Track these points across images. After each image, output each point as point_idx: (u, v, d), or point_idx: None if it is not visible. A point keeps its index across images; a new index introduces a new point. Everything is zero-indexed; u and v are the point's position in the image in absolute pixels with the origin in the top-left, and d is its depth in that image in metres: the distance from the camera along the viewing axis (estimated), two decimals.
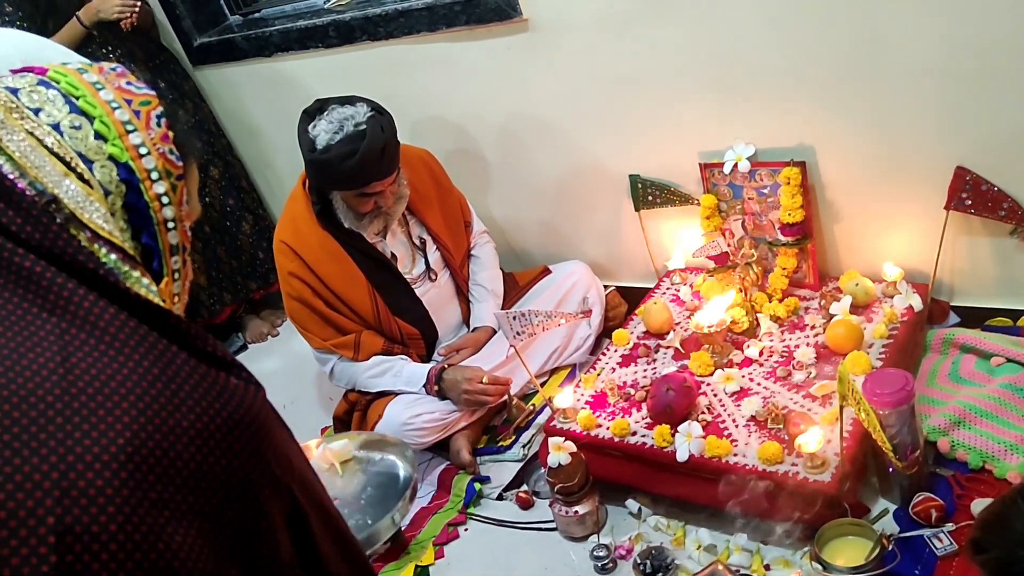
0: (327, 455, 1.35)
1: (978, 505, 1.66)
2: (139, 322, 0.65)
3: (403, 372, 2.31)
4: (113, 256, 0.71)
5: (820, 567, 1.60)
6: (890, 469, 1.71)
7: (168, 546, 0.59)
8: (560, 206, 2.63)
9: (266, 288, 3.20)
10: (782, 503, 1.72)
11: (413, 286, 2.39)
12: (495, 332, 2.44)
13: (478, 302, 2.49)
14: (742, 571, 1.72)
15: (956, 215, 1.96)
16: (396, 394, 2.30)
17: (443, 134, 2.63)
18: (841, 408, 1.63)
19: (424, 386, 2.28)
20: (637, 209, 2.41)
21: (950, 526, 1.66)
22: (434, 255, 2.43)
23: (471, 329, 2.49)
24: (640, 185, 2.36)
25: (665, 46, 2.11)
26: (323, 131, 2.11)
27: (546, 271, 2.59)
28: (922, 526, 1.68)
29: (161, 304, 0.71)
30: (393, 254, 2.36)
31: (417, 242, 2.40)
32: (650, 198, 2.36)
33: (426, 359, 2.43)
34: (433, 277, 2.42)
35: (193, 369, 0.66)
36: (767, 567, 1.74)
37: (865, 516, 1.72)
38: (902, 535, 1.67)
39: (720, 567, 1.58)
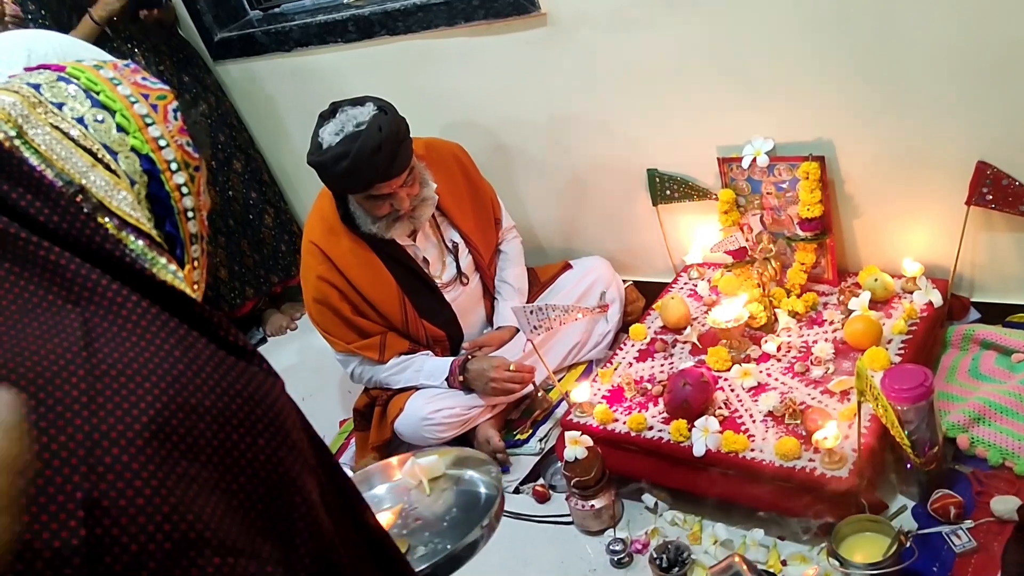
0: (416, 471, 1.32)
1: (997, 502, 1.65)
2: (161, 309, 0.66)
3: (424, 367, 2.31)
4: (140, 243, 0.73)
5: (837, 563, 1.60)
6: (908, 465, 1.70)
7: (199, 517, 0.60)
8: (578, 200, 2.63)
9: (287, 282, 3.22)
10: (799, 499, 1.72)
11: (443, 291, 2.36)
12: (518, 331, 2.43)
13: (503, 300, 2.47)
14: (759, 566, 1.72)
15: (977, 210, 1.94)
16: (417, 389, 2.31)
17: (461, 129, 2.64)
18: (859, 404, 1.63)
19: (447, 378, 2.27)
20: (655, 203, 2.40)
21: (969, 523, 1.65)
22: (466, 260, 2.40)
23: (495, 327, 2.48)
24: (658, 179, 2.36)
25: (684, 40, 2.11)
26: (328, 133, 2.07)
27: (567, 266, 2.59)
28: (940, 523, 1.67)
29: (186, 290, 0.72)
30: (425, 258, 2.33)
31: (449, 245, 2.37)
32: (668, 192, 2.36)
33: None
34: (465, 281, 2.39)
35: (213, 353, 0.67)
36: (784, 563, 1.74)
37: (883, 512, 1.72)
38: (920, 532, 1.67)
39: (737, 559, 1.58)
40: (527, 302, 2.48)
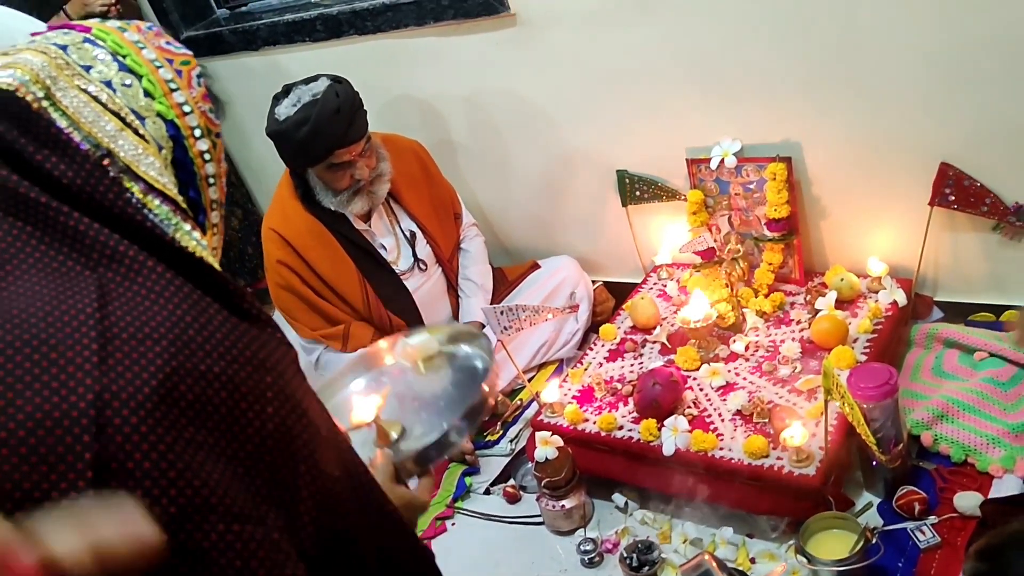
0: (408, 352, 1.26)
1: (961, 498, 1.67)
2: (176, 274, 0.67)
3: None
4: (165, 208, 0.73)
5: (805, 560, 1.61)
6: (874, 463, 1.72)
7: (205, 482, 0.60)
8: (548, 201, 2.63)
9: (255, 284, 3.19)
10: (767, 497, 1.73)
11: (403, 279, 2.38)
12: (484, 327, 2.43)
13: (467, 297, 2.49)
14: (728, 564, 1.73)
15: (940, 211, 1.97)
16: None
17: (431, 129, 2.63)
18: (826, 402, 1.64)
19: None
20: (624, 204, 2.41)
21: (933, 519, 1.68)
22: (424, 249, 2.41)
23: (460, 324, 2.48)
24: (627, 180, 2.37)
25: (652, 42, 2.12)
26: (284, 107, 2.14)
27: (535, 266, 2.60)
28: (905, 519, 1.70)
29: (207, 255, 0.73)
30: (383, 244, 2.36)
31: (407, 235, 2.39)
32: (637, 193, 2.37)
33: None
34: (423, 267, 2.41)
35: (225, 320, 0.67)
36: (752, 560, 1.75)
37: (849, 509, 1.73)
38: (886, 528, 1.69)
39: (707, 557, 1.58)
40: (494, 301, 2.48)
